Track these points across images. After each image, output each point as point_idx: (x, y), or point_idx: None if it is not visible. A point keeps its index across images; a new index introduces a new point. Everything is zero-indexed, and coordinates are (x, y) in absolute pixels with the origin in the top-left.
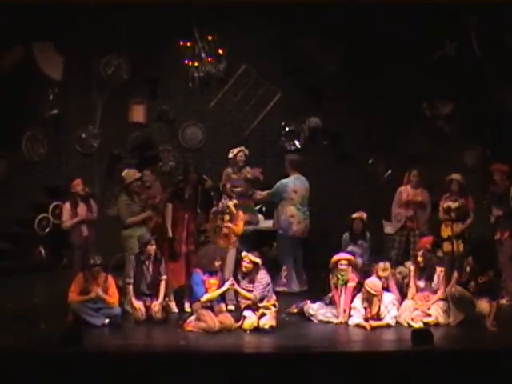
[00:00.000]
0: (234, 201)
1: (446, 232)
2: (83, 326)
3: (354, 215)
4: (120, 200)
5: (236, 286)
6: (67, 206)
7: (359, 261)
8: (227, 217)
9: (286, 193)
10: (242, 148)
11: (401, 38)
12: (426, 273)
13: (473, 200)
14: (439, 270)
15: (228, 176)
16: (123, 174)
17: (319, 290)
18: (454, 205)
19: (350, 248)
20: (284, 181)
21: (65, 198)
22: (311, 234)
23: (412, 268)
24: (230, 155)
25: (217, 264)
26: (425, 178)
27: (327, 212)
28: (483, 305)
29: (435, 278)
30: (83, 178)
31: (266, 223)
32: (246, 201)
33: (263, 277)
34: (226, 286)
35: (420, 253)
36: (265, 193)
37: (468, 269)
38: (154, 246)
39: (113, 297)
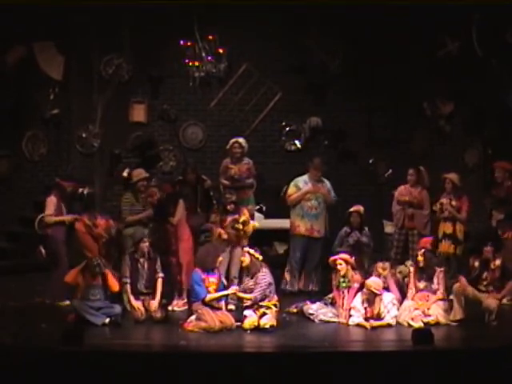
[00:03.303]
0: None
1: (439, 232)
2: (84, 325)
3: (351, 209)
4: (124, 198)
5: (238, 293)
6: (53, 200)
7: (364, 240)
8: (240, 226)
9: None
10: (237, 139)
11: (402, 36)
12: (425, 273)
13: (468, 200)
14: (438, 271)
15: (225, 167)
16: (128, 172)
17: (321, 290)
18: (439, 202)
19: (354, 237)
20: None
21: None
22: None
23: (412, 268)
24: (227, 146)
25: (218, 262)
26: (424, 178)
27: (328, 211)
28: (490, 300)
29: (434, 278)
30: (83, 178)
31: (267, 223)
32: (245, 192)
33: (264, 276)
34: (231, 290)
35: (420, 252)
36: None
37: (476, 263)
38: (147, 243)
39: (112, 284)
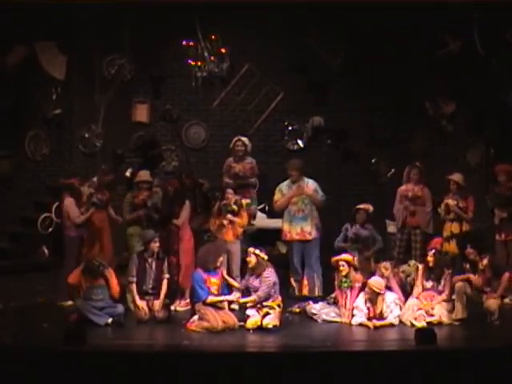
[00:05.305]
0: (248, 200)
1: (445, 232)
2: (87, 325)
3: (360, 206)
4: (125, 198)
5: (240, 299)
6: (71, 200)
7: (364, 233)
8: (235, 207)
9: None
10: (239, 137)
11: (403, 36)
12: (434, 273)
13: (473, 200)
14: (447, 273)
15: (228, 166)
16: (130, 172)
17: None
18: (444, 203)
19: (353, 230)
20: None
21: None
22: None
23: (420, 267)
24: (230, 145)
25: (219, 261)
26: (425, 176)
27: (329, 211)
28: (491, 301)
29: (442, 280)
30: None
31: (269, 222)
32: (248, 192)
33: (269, 275)
34: (233, 297)
35: (431, 253)
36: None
37: (468, 266)
38: (158, 244)
39: (114, 289)
